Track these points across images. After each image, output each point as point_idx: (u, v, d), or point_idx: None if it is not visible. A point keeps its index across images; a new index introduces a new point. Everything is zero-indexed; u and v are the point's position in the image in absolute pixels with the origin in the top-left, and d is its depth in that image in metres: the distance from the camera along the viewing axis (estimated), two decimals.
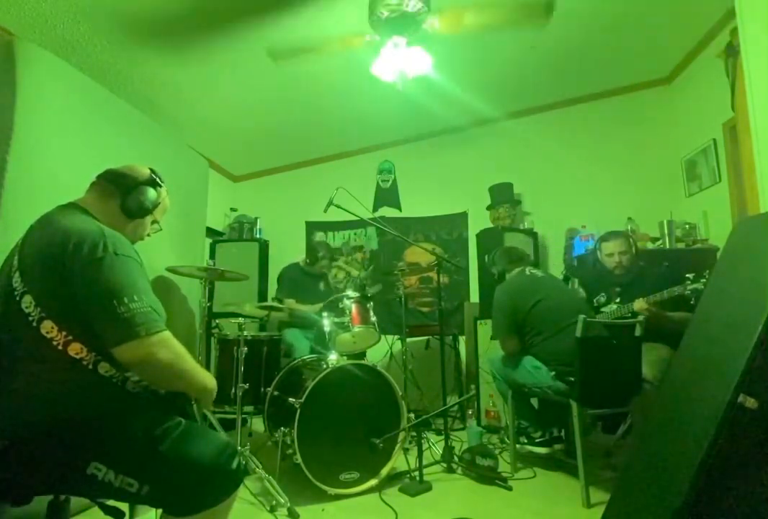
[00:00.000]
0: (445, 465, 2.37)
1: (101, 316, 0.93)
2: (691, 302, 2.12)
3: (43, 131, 1.75)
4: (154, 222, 1.30)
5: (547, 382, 2.17)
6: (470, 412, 3.34)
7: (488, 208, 3.98)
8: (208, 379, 1.06)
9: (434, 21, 2.27)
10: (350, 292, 2.58)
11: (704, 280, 2.08)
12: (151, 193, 1.22)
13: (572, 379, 2.04)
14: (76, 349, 0.95)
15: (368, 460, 2.12)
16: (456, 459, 2.37)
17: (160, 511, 0.97)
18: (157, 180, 1.25)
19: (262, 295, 3.94)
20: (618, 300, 2.50)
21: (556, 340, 2.18)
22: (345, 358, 2.33)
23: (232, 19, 2.58)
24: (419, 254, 4.28)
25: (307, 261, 3.44)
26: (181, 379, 1.00)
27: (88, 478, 0.90)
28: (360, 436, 2.10)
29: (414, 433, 2.24)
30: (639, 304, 2.26)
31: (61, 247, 0.96)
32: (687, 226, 3.26)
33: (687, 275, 2.13)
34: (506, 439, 2.64)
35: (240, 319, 2.34)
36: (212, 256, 3.98)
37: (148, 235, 1.31)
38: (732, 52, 2.65)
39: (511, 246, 2.90)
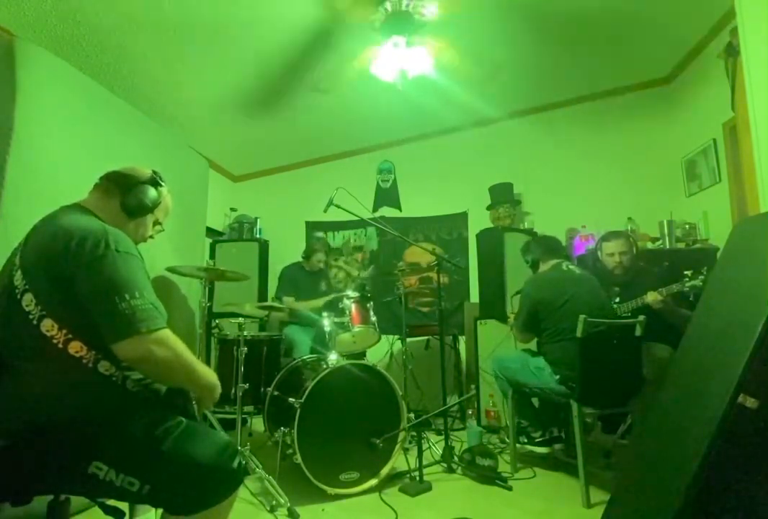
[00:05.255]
0: (445, 465, 2.37)
1: (102, 312, 0.93)
2: (690, 299, 2.12)
3: (43, 131, 1.75)
4: (156, 223, 1.30)
5: (548, 384, 2.17)
6: (470, 412, 3.34)
7: (488, 208, 3.98)
8: (209, 376, 1.07)
9: (432, 8, 2.29)
10: (350, 292, 2.58)
11: (702, 277, 2.08)
12: (151, 192, 1.22)
13: (575, 385, 2.04)
14: (76, 348, 0.95)
15: (368, 460, 2.12)
16: (456, 459, 2.37)
17: (160, 510, 0.97)
18: (158, 180, 1.26)
19: (262, 295, 3.94)
20: (617, 300, 2.50)
21: (570, 345, 2.10)
22: (345, 358, 2.33)
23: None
24: (419, 254, 4.28)
25: (303, 255, 3.45)
26: (180, 376, 1.01)
27: (89, 478, 0.90)
28: (360, 436, 2.10)
29: (414, 433, 2.24)
30: (652, 295, 2.25)
31: (63, 244, 0.96)
32: (687, 226, 3.26)
33: (685, 272, 2.13)
34: (506, 439, 2.64)
35: (240, 319, 2.34)
36: (212, 256, 3.98)
37: (151, 236, 1.31)
38: (732, 52, 2.65)
39: (548, 235, 2.72)
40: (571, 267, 2.35)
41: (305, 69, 3.01)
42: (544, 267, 2.42)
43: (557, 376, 2.14)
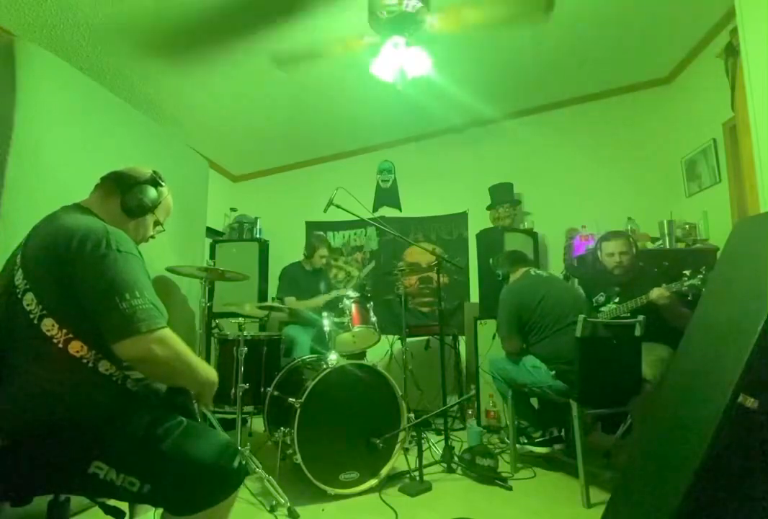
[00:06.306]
0: (445, 465, 2.37)
1: (103, 311, 0.93)
2: (689, 299, 2.12)
3: (43, 131, 1.75)
4: (157, 223, 1.30)
5: (546, 381, 2.18)
6: (470, 412, 3.34)
7: (488, 208, 3.98)
8: (209, 374, 1.07)
9: (434, 20, 2.27)
10: (350, 292, 2.58)
11: (701, 276, 2.08)
12: (151, 191, 1.22)
13: (572, 378, 2.04)
14: (76, 348, 0.95)
15: (368, 460, 2.12)
16: (456, 459, 2.37)
17: (160, 510, 0.97)
18: (158, 179, 1.25)
19: (262, 295, 3.94)
20: (617, 300, 2.50)
21: (556, 339, 2.20)
22: (345, 358, 2.33)
23: (236, 27, 2.62)
24: (419, 254, 4.28)
25: (305, 253, 3.44)
26: (181, 375, 1.01)
27: (89, 478, 0.90)
28: (360, 436, 2.10)
29: (414, 433, 2.24)
30: (658, 291, 2.23)
31: (64, 244, 0.96)
32: (687, 226, 3.27)
33: (684, 272, 2.14)
34: (506, 439, 2.64)
35: (240, 319, 2.34)
36: (212, 256, 3.98)
37: (152, 236, 1.31)
38: (732, 52, 2.65)
39: (512, 249, 2.95)
40: (538, 272, 2.53)
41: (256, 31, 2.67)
42: (514, 277, 2.55)
43: (553, 372, 2.16)
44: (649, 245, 3.26)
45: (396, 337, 3.49)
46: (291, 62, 2.57)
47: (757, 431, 1.14)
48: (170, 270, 2.29)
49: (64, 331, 0.95)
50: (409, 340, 3.12)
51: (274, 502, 1.87)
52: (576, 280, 3.24)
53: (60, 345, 0.94)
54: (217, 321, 3.03)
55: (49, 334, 0.94)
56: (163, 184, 1.27)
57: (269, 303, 3.36)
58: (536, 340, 2.28)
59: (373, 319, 2.54)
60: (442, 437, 2.52)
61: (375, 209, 4.45)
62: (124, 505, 1.03)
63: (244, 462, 1.00)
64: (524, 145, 4.17)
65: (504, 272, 2.62)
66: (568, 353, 2.06)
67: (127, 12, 2.42)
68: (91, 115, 2.02)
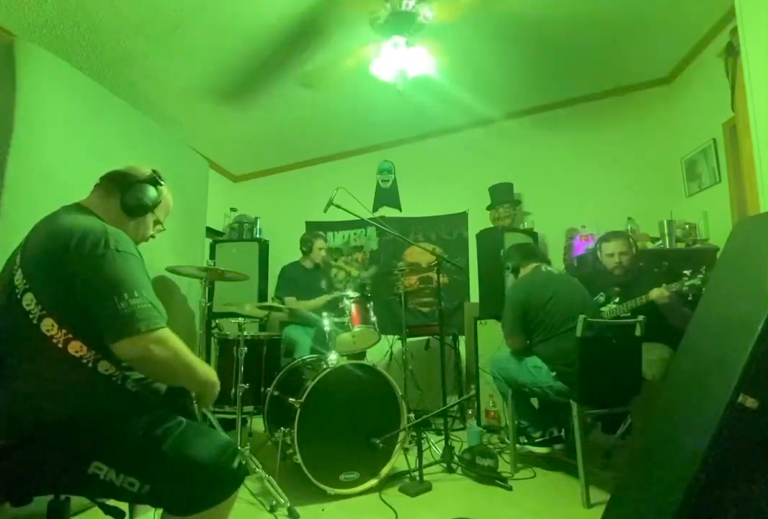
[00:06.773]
0: (445, 465, 2.37)
1: (101, 311, 0.93)
2: (689, 299, 2.12)
3: (43, 131, 1.75)
4: (157, 223, 1.30)
5: (547, 382, 2.17)
6: (470, 412, 3.34)
7: (488, 208, 3.98)
8: (209, 374, 1.07)
9: (428, 11, 2.28)
10: (350, 292, 2.58)
11: (701, 276, 2.08)
12: (151, 191, 1.22)
13: (573, 379, 2.04)
14: (76, 348, 0.95)
15: (368, 460, 2.12)
16: (456, 459, 2.36)
17: (159, 511, 0.97)
18: (157, 178, 1.25)
19: (262, 295, 3.94)
20: (617, 300, 2.50)
21: (561, 340, 2.17)
22: (345, 358, 2.33)
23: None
24: (419, 254, 4.28)
25: (303, 250, 3.44)
26: (180, 375, 1.01)
27: (89, 478, 0.90)
28: (360, 436, 2.10)
29: (414, 433, 2.24)
30: (658, 291, 2.22)
31: (63, 243, 0.96)
32: (687, 226, 3.27)
33: (684, 272, 2.13)
34: (506, 439, 2.64)
35: (240, 319, 2.34)
36: (212, 256, 3.98)
37: (152, 236, 1.31)
38: (732, 52, 2.65)
39: (523, 242, 2.90)
40: (549, 269, 2.46)
41: (290, 60, 2.92)
42: (524, 271, 2.50)
43: (554, 373, 2.16)
44: (649, 245, 3.26)
45: (396, 337, 3.49)
46: (318, 83, 2.79)
47: (757, 431, 1.14)
48: (170, 270, 2.29)
49: (64, 331, 0.95)
50: (409, 340, 3.12)
51: (274, 502, 1.87)
52: (576, 280, 3.24)
53: (60, 345, 0.94)
54: (217, 321, 3.02)
55: (48, 334, 0.94)
56: (162, 183, 1.27)
57: (269, 303, 3.36)
58: (540, 339, 2.26)
59: (373, 319, 2.54)
60: (442, 437, 2.52)
61: (375, 209, 4.45)
62: (124, 505, 1.03)
63: (244, 462, 1.00)
64: (524, 145, 4.17)
65: (514, 265, 2.55)
66: (571, 355, 2.03)
67: (126, 12, 2.42)
68: (91, 115, 2.02)
